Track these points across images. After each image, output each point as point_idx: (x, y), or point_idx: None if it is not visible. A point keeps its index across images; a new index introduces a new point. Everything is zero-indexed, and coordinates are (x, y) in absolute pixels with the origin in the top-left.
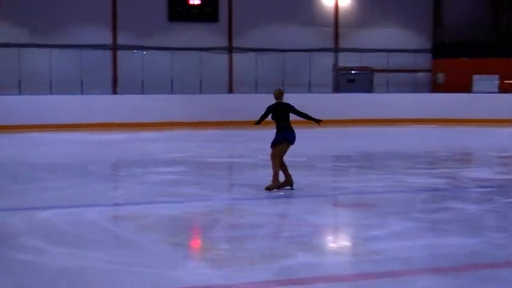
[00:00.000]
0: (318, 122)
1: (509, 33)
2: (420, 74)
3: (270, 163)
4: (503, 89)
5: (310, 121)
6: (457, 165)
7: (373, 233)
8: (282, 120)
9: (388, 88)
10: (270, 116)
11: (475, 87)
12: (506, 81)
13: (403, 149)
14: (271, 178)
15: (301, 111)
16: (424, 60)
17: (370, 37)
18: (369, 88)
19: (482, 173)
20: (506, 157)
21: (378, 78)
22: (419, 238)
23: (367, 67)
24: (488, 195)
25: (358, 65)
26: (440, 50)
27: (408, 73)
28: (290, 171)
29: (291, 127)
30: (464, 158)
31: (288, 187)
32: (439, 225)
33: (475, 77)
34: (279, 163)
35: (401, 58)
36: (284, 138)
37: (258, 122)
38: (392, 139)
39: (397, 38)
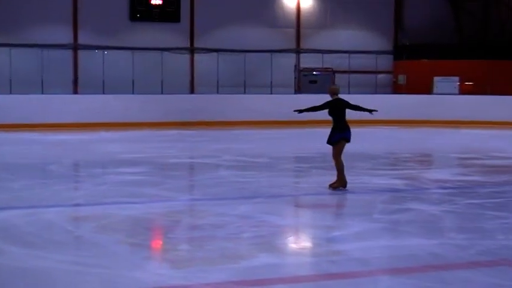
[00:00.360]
0: (371, 111)
1: (471, 36)
2: (381, 76)
3: (333, 162)
4: (464, 91)
5: (363, 111)
6: (418, 166)
7: (333, 234)
8: (340, 118)
9: (350, 89)
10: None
11: (435, 89)
12: (466, 83)
13: (364, 150)
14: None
15: (354, 104)
16: (386, 61)
17: (332, 38)
18: None
19: (442, 174)
20: (466, 158)
21: (340, 79)
22: (379, 239)
23: (328, 68)
24: (448, 196)
25: (319, 66)
26: (401, 51)
27: (369, 74)
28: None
29: (348, 125)
30: (425, 159)
31: (341, 187)
32: (400, 226)
33: (436, 78)
34: (341, 161)
35: (362, 59)
36: (342, 138)
37: (301, 111)
38: (353, 140)
39: (358, 40)
